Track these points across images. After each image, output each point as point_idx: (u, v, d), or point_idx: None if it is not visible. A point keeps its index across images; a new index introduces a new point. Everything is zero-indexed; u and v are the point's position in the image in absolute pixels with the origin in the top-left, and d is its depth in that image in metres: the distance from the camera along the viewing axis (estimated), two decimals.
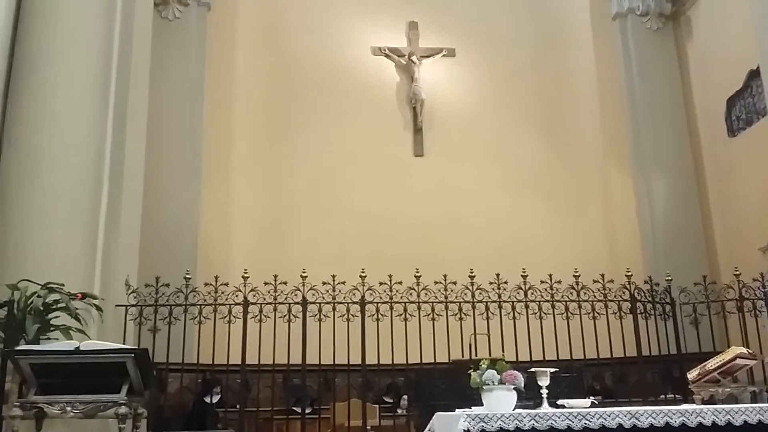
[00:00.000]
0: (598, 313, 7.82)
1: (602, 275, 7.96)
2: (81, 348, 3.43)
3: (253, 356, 7.45)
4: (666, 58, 12.04)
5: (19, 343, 3.86)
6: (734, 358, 5.01)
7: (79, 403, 3.36)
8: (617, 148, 12.03)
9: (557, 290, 7.87)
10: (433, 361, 7.61)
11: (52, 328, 4.53)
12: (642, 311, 8.02)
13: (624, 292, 8.00)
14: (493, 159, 11.91)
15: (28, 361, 3.35)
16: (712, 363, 5.00)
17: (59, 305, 4.49)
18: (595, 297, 7.87)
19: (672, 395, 7.88)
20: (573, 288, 7.86)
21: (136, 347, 4.56)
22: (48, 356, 3.40)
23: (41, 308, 4.40)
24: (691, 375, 5.08)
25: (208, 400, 8.61)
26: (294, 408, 8.43)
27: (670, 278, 8.20)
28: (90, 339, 4.75)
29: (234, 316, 7.63)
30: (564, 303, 7.82)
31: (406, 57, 12.31)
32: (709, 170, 11.27)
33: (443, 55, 12.41)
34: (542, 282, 7.88)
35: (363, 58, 12.37)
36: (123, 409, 3.31)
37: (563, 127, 12.25)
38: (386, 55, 12.40)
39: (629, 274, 8.08)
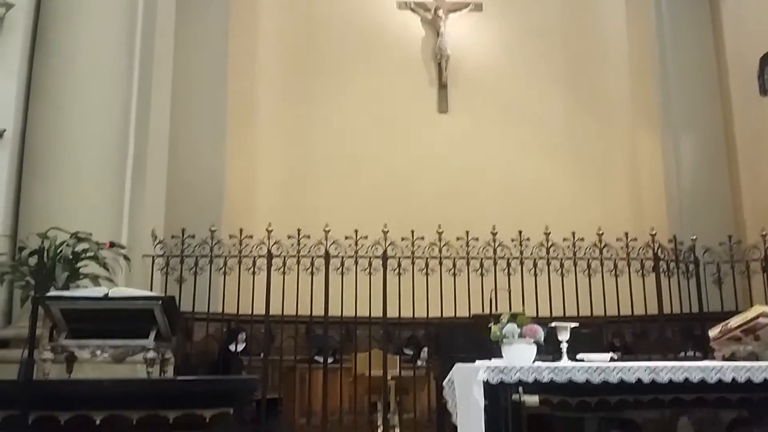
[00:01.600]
0: (620, 272, 7.81)
1: (626, 234, 7.93)
2: (110, 295, 3.51)
3: (276, 307, 7.59)
4: (698, 15, 11.67)
5: (49, 290, 3.97)
6: (757, 317, 4.97)
7: (109, 348, 3.47)
8: (646, 106, 11.80)
9: (580, 248, 7.85)
10: (453, 315, 7.69)
11: (81, 277, 4.64)
12: (665, 270, 7.99)
13: (647, 251, 7.97)
14: (519, 116, 11.76)
15: (59, 307, 3.45)
16: (735, 321, 4.97)
17: (88, 254, 4.58)
18: (618, 255, 7.85)
19: (692, 353, 7.89)
20: (596, 246, 7.85)
21: (163, 295, 4.68)
22: (78, 302, 3.50)
23: (70, 257, 4.50)
24: (713, 332, 5.07)
25: (232, 348, 8.81)
26: (316, 358, 8.60)
27: (695, 238, 8.14)
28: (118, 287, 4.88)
29: (258, 268, 7.75)
30: (586, 260, 7.81)
31: (432, 11, 12.09)
32: (739, 130, 11.02)
33: (470, 10, 12.18)
34: (565, 240, 7.87)
35: (388, 12, 12.18)
36: (151, 354, 3.41)
37: (591, 85, 12.02)
38: (412, 9, 12.20)
39: (653, 233, 8.03)
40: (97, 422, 3.03)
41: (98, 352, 3.47)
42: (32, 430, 2.94)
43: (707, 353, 6.50)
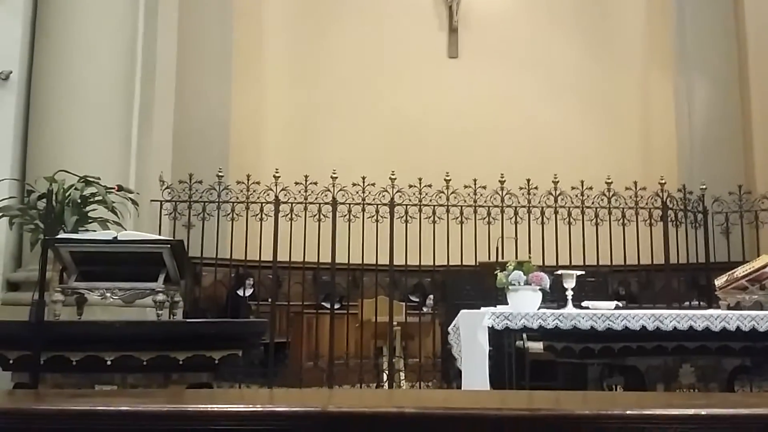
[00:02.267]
0: (628, 220, 7.79)
1: (635, 183, 7.88)
2: (119, 238, 3.52)
3: (284, 253, 7.63)
4: None
5: (58, 234, 3.98)
6: (764, 266, 4.96)
7: (118, 290, 3.49)
8: (660, 52, 11.56)
9: (588, 197, 7.82)
10: (459, 263, 7.72)
11: (89, 221, 4.64)
12: (673, 219, 7.97)
13: (656, 200, 7.93)
14: (530, 61, 11.55)
15: (68, 249, 3.46)
16: (741, 270, 4.97)
17: (96, 198, 4.57)
18: (626, 204, 7.82)
19: (697, 302, 7.93)
20: (604, 195, 7.81)
21: (171, 239, 4.70)
22: (87, 245, 3.50)
23: (79, 201, 4.49)
24: (719, 281, 5.07)
25: (241, 293, 8.92)
26: (323, 303, 8.70)
27: (704, 187, 8.08)
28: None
29: (266, 214, 7.76)
30: (594, 209, 7.79)
31: None
32: (754, 78, 10.79)
33: None
34: (573, 188, 7.83)
35: None
36: (160, 297, 3.43)
37: (604, 30, 11.75)
38: None
39: (663, 182, 7.98)
40: (108, 362, 3.08)
41: (108, 295, 3.50)
42: (45, 369, 2.99)
43: (712, 303, 6.54)
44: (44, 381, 3.03)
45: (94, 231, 4.44)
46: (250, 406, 1.50)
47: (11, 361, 3.09)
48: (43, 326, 2.92)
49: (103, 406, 1.47)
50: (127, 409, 1.44)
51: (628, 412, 1.51)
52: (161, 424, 1.44)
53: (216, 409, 1.44)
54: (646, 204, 7.93)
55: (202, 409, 1.44)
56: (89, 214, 4.50)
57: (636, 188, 7.87)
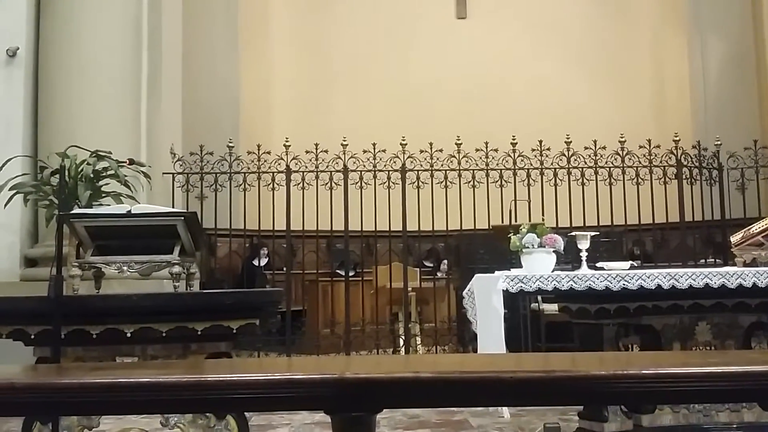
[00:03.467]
0: (642, 179, 7.73)
1: (648, 141, 7.79)
2: (132, 211, 3.53)
3: (297, 222, 7.66)
4: None
5: (72, 209, 4.00)
6: None
7: (135, 263, 3.51)
8: (672, 8, 11.31)
9: (601, 156, 7.75)
10: (473, 227, 7.72)
11: (103, 195, 4.66)
12: (688, 177, 7.90)
13: (670, 158, 7.85)
14: (540, 20, 11.37)
15: (83, 224, 3.48)
16: (757, 226, 4.92)
17: (108, 172, 4.58)
18: (640, 163, 7.75)
19: (713, 260, 7.90)
20: (618, 154, 7.74)
21: (185, 211, 4.72)
22: (101, 219, 3.52)
23: (91, 175, 4.50)
24: (735, 238, 5.03)
25: (256, 263, 8.99)
26: (338, 271, 8.75)
27: (719, 142, 7.98)
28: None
29: (277, 184, 7.78)
30: (607, 169, 7.73)
31: None
32: None
33: None
34: (586, 148, 7.76)
35: None
36: (176, 269, 3.45)
37: None
38: None
39: (677, 138, 7.88)
40: (128, 335, 3.11)
41: (124, 268, 3.53)
42: (66, 343, 3.04)
43: (728, 260, 6.51)
44: (66, 355, 3.07)
45: (108, 205, 4.46)
46: (268, 374, 1.52)
47: (32, 336, 3.13)
48: (63, 301, 2.96)
49: (124, 378, 1.50)
50: (147, 380, 1.46)
51: (643, 371, 1.51)
52: (181, 394, 1.46)
53: (234, 378, 1.46)
54: (660, 162, 7.85)
55: (221, 378, 1.46)
56: (102, 189, 4.52)
57: (650, 146, 7.79)
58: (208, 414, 2.96)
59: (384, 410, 1.52)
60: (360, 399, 1.46)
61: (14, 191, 4.37)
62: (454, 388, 1.47)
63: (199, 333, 3.17)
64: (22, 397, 1.44)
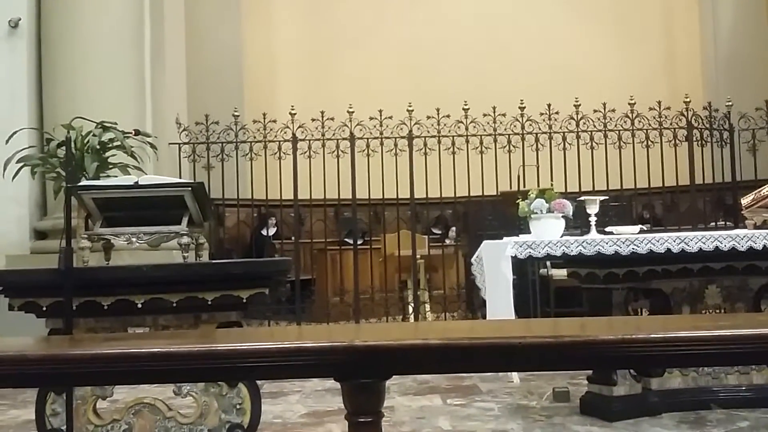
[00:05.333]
0: (652, 142, 7.66)
1: (659, 102, 7.70)
2: (139, 182, 3.53)
3: (304, 191, 7.65)
4: None
5: (80, 181, 3.99)
6: None
7: (144, 234, 3.52)
8: None
9: (611, 119, 7.67)
10: (481, 193, 7.69)
11: (110, 166, 4.65)
12: (698, 139, 7.82)
13: (681, 119, 7.76)
14: None
15: (91, 196, 3.48)
16: None
17: (114, 143, 4.56)
18: (650, 125, 7.67)
19: (723, 223, 7.85)
20: (627, 116, 7.65)
21: (192, 181, 4.71)
22: (109, 191, 3.52)
23: (98, 147, 4.48)
24: (745, 200, 4.99)
25: (264, 232, 9.02)
26: (346, 239, 8.77)
27: (730, 103, 7.87)
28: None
29: (284, 153, 7.75)
30: (617, 132, 7.66)
31: None
32: None
33: None
34: (595, 111, 7.68)
35: None
36: (185, 239, 3.46)
37: None
38: None
39: (687, 100, 7.78)
40: (139, 305, 3.14)
41: (133, 239, 3.53)
42: (77, 315, 3.06)
43: (738, 223, 6.47)
44: (78, 326, 3.10)
45: (115, 177, 4.46)
46: (279, 342, 1.53)
47: (44, 308, 3.16)
48: (73, 273, 2.97)
49: (136, 348, 1.51)
50: (160, 350, 1.47)
51: (652, 335, 1.51)
52: (194, 363, 1.47)
53: (246, 346, 1.47)
54: (671, 124, 7.77)
55: (231, 347, 1.47)
56: (109, 160, 4.51)
57: (660, 108, 7.70)
58: (220, 382, 3.00)
59: (394, 377, 1.53)
60: (370, 366, 1.47)
61: (21, 164, 4.37)
62: (463, 354, 1.47)
63: (209, 303, 3.19)
64: (36, 368, 1.46)
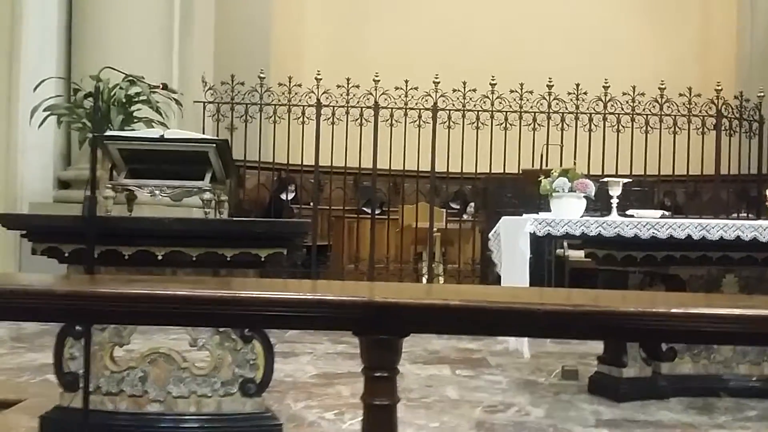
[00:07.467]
0: (679, 128, 7.56)
1: (689, 88, 7.58)
2: (165, 136, 3.55)
3: (325, 158, 7.66)
4: None
5: (105, 133, 4.02)
6: None
7: (167, 188, 3.55)
8: None
9: (639, 103, 7.57)
10: (502, 171, 7.65)
11: (135, 120, 4.67)
12: (727, 128, 7.70)
13: (710, 107, 7.65)
14: None
15: (116, 147, 3.51)
16: None
17: (141, 98, 4.58)
18: (678, 111, 7.56)
19: (745, 214, 7.77)
20: (656, 101, 7.55)
21: (217, 138, 4.73)
22: (134, 143, 3.54)
23: (123, 100, 4.51)
24: None
25: (283, 196, 9.05)
26: (364, 208, 8.79)
27: (762, 94, 7.73)
28: None
29: (308, 118, 7.75)
30: (645, 116, 7.56)
31: None
32: None
33: None
34: (624, 94, 7.58)
35: None
36: (207, 195, 3.49)
37: None
38: None
39: (719, 88, 7.65)
40: (159, 257, 3.17)
41: (157, 192, 3.56)
42: (98, 263, 3.11)
43: (761, 215, 6.40)
44: (98, 274, 3.15)
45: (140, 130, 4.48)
46: (301, 293, 1.55)
47: (66, 254, 3.21)
48: (96, 220, 3.01)
49: (160, 290, 1.53)
50: (183, 293, 1.49)
51: (672, 310, 1.51)
52: (215, 309, 1.49)
53: (267, 294, 1.49)
54: (700, 111, 7.65)
55: (255, 295, 1.49)
56: (134, 114, 4.54)
57: (690, 94, 7.58)
58: (234, 337, 3.04)
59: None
60: (388, 322, 1.48)
61: (48, 112, 4.40)
62: (482, 317, 1.48)
63: (228, 259, 3.23)
64: (61, 303, 1.49)
